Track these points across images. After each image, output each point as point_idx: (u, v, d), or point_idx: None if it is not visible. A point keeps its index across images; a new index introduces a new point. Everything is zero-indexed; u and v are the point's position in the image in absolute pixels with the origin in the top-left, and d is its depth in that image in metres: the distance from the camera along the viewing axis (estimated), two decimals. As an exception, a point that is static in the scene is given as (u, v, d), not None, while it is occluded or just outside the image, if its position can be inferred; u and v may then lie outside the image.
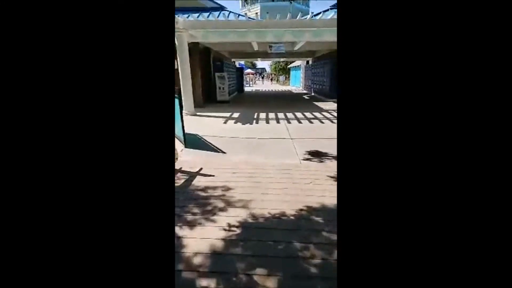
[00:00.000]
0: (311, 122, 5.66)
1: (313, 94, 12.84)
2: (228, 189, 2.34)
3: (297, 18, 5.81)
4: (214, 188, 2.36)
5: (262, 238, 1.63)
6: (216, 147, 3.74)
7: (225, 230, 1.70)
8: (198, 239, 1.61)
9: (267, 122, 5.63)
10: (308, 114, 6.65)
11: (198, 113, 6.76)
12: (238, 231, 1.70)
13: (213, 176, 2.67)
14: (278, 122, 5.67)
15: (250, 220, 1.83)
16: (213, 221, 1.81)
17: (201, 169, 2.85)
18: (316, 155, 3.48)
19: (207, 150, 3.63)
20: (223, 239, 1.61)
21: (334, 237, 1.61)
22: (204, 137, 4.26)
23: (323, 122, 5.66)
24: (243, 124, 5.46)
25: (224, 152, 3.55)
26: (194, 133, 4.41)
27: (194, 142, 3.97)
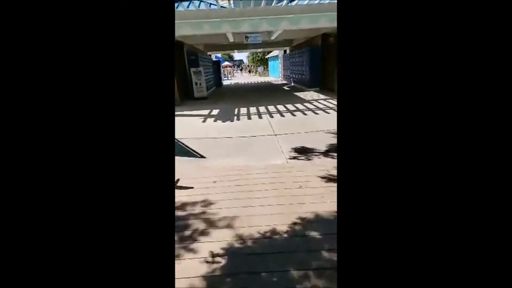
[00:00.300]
0: (294, 115, 5.44)
1: (292, 84, 12.64)
2: (209, 204, 2.05)
3: (272, 5, 5.45)
4: (193, 204, 2.05)
5: (254, 269, 1.36)
6: (195, 151, 3.39)
7: (207, 262, 1.41)
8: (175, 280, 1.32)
9: (249, 118, 5.33)
10: (290, 106, 6.42)
11: (176, 112, 6.29)
12: (223, 261, 1.42)
13: (192, 188, 2.35)
14: (260, 117, 5.39)
15: (237, 245, 1.56)
16: (192, 250, 1.52)
17: (177, 180, 2.52)
18: (303, 152, 3.26)
19: (185, 156, 3.27)
20: (206, 276, 1.32)
21: (335, 257, 1.39)
22: (181, 140, 3.88)
23: (305, 114, 5.46)
24: (223, 121, 5.12)
25: (204, 157, 3.21)
26: (169, 136, 4.02)
27: (170, 147, 3.60)
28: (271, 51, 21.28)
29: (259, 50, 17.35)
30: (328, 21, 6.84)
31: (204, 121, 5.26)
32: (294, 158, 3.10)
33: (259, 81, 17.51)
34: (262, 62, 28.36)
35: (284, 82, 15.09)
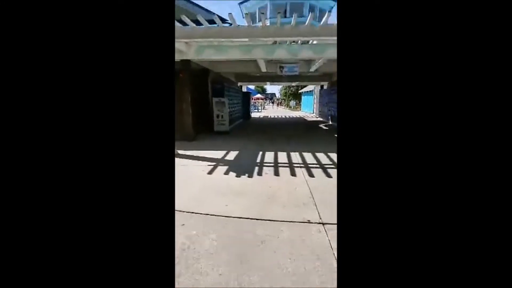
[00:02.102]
0: (346, 174, 3.57)
1: (330, 122, 10.88)
2: None
3: (321, 22, 4.03)
4: None
5: None
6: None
7: None
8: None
9: (276, 173, 3.60)
10: (334, 156, 4.60)
11: (181, 151, 4.86)
12: None
13: None
14: (293, 172, 3.63)
15: None
16: None
17: None
18: None
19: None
20: None
21: None
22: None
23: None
24: (237, 176, 3.46)
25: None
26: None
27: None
28: (305, 86, 20.22)
29: (294, 84, 16.25)
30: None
31: (210, 172, 3.65)
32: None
33: (291, 116, 16.08)
34: (295, 96, 27.54)
35: (320, 119, 13.40)
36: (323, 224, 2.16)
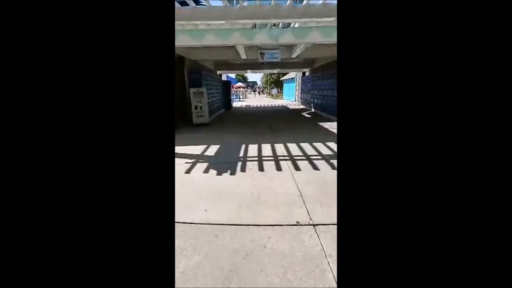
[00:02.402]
0: (334, 167, 3.38)
1: (313, 110, 10.77)
2: None
3: (303, 2, 3.70)
4: None
5: None
6: None
7: None
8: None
9: (261, 168, 3.35)
10: (321, 146, 4.44)
11: (155, 148, 4.44)
12: None
13: None
14: (278, 167, 3.40)
15: None
16: None
17: None
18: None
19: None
20: None
21: None
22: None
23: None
24: (218, 174, 3.17)
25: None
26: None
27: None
28: (287, 73, 19.92)
29: (275, 71, 15.87)
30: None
31: (188, 171, 3.32)
32: None
33: (273, 104, 15.81)
34: (276, 84, 27.22)
35: (302, 107, 13.27)
36: (313, 225, 1.96)
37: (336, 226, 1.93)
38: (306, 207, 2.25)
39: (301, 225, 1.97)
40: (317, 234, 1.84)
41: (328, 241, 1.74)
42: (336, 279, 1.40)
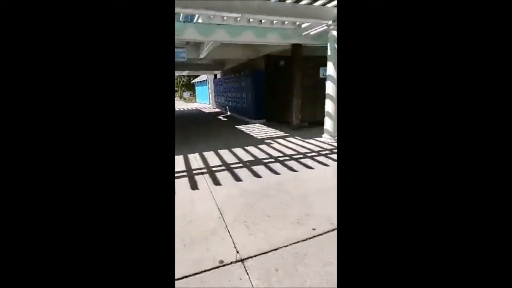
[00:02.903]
0: (258, 175, 3.11)
1: (229, 113, 10.60)
2: None
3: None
4: None
5: None
6: None
7: None
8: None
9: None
10: (239, 151, 4.15)
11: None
12: None
13: None
14: (193, 184, 2.85)
15: None
16: None
17: None
18: None
19: None
20: None
21: None
22: None
23: (272, 170, 3.25)
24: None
25: None
26: None
27: None
28: (198, 76, 19.15)
29: (184, 73, 14.84)
30: (280, 37, 5.16)
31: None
32: None
33: (186, 108, 14.77)
34: (188, 87, 25.95)
35: (217, 110, 12.93)
36: (242, 260, 1.56)
37: (269, 253, 1.59)
38: (227, 229, 1.83)
39: (226, 265, 1.53)
40: (247, 274, 1.45)
41: (260, 280, 1.37)
42: None
